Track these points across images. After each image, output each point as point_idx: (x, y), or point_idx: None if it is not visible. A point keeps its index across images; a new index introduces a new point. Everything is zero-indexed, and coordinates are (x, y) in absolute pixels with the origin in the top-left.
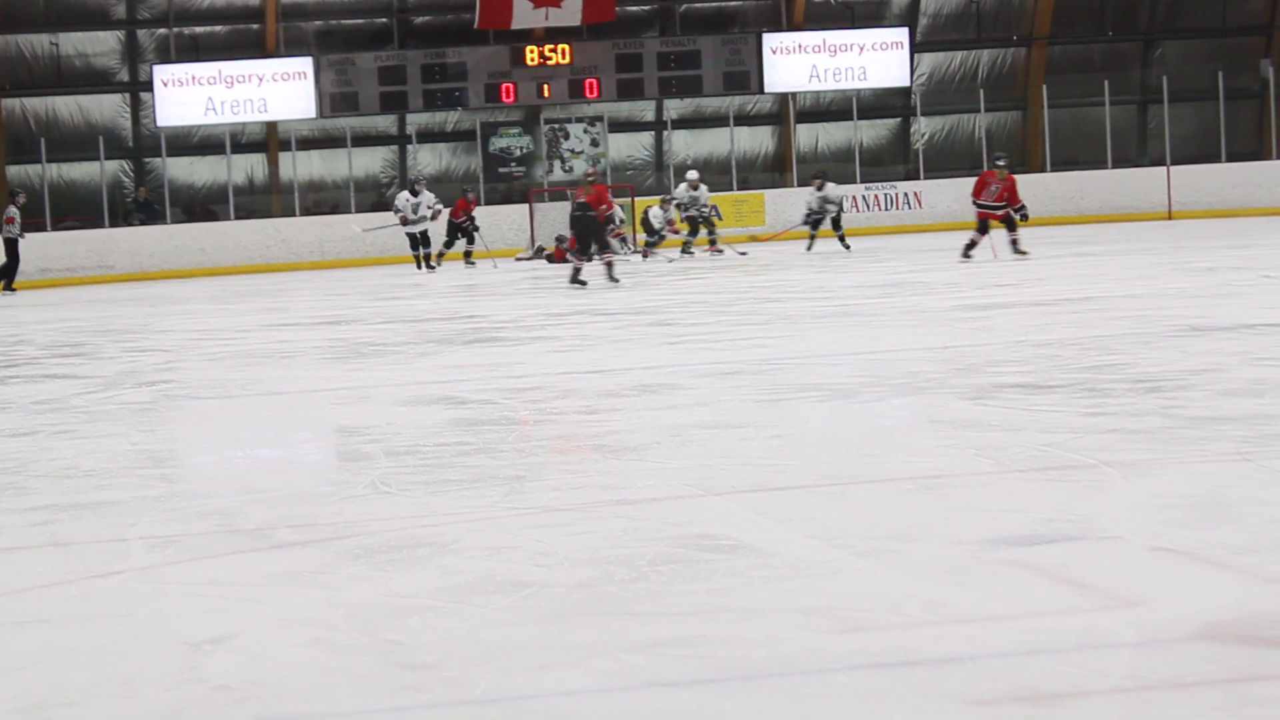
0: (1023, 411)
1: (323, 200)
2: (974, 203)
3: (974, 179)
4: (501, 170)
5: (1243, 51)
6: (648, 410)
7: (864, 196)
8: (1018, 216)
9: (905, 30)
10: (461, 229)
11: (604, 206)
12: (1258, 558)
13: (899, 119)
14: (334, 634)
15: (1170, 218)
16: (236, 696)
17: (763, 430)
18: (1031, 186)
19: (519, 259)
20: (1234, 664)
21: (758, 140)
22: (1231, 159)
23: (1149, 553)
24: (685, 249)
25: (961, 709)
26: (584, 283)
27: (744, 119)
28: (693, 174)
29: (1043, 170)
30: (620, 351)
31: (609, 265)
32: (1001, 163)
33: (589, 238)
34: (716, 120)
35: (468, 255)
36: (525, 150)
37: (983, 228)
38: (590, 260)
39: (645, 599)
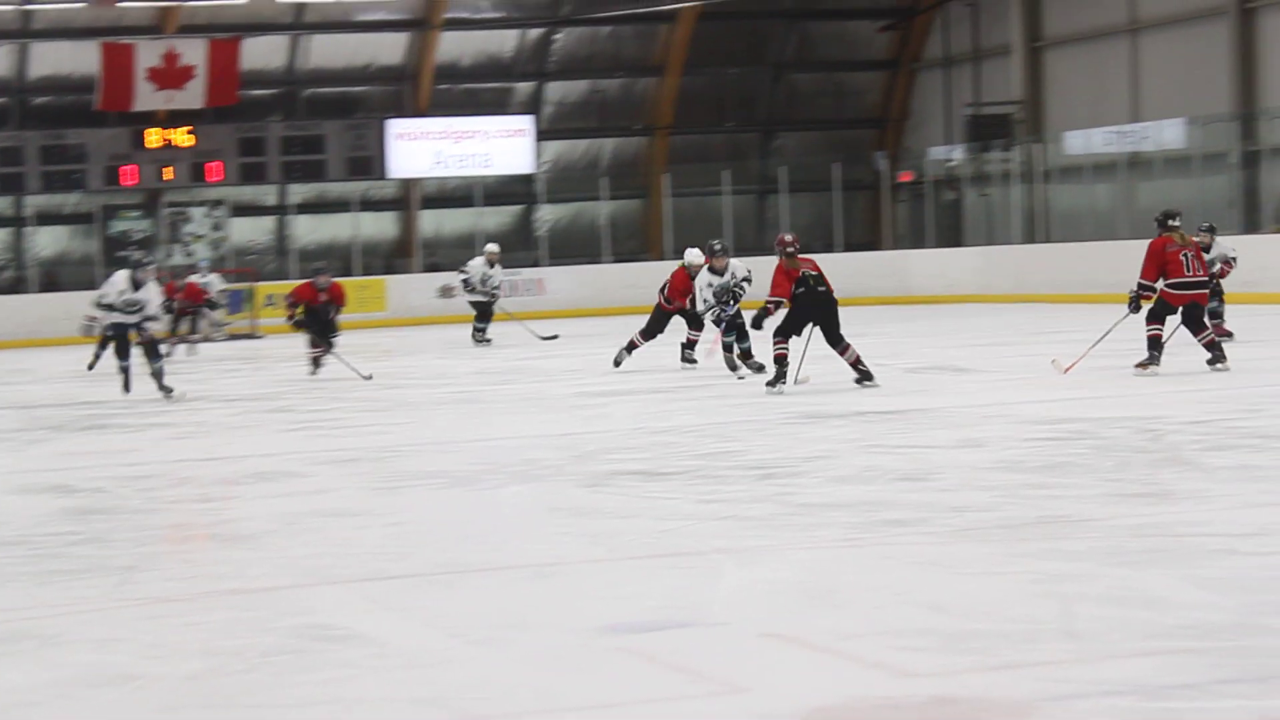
0: (638, 499)
1: None
2: (1162, 287)
3: (674, 272)
4: (119, 255)
5: (858, 143)
6: (264, 498)
7: None
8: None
9: (530, 118)
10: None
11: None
12: (863, 643)
13: (524, 205)
14: None
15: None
16: None
17: (380, 518)
18: (652, 274)
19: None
20: None
21: (381, 226)
22: (848, 249)
23: (758, 639)
24: (477, 334)
25: None
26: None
27: (368, 204)
28: (492, 247)
29: (663, 259)
30: (237, 438)
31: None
32: (1176, 222)
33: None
34: (340, 205)
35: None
36: (145, 234)
37: (1159, 314)
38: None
39: (257, 691)
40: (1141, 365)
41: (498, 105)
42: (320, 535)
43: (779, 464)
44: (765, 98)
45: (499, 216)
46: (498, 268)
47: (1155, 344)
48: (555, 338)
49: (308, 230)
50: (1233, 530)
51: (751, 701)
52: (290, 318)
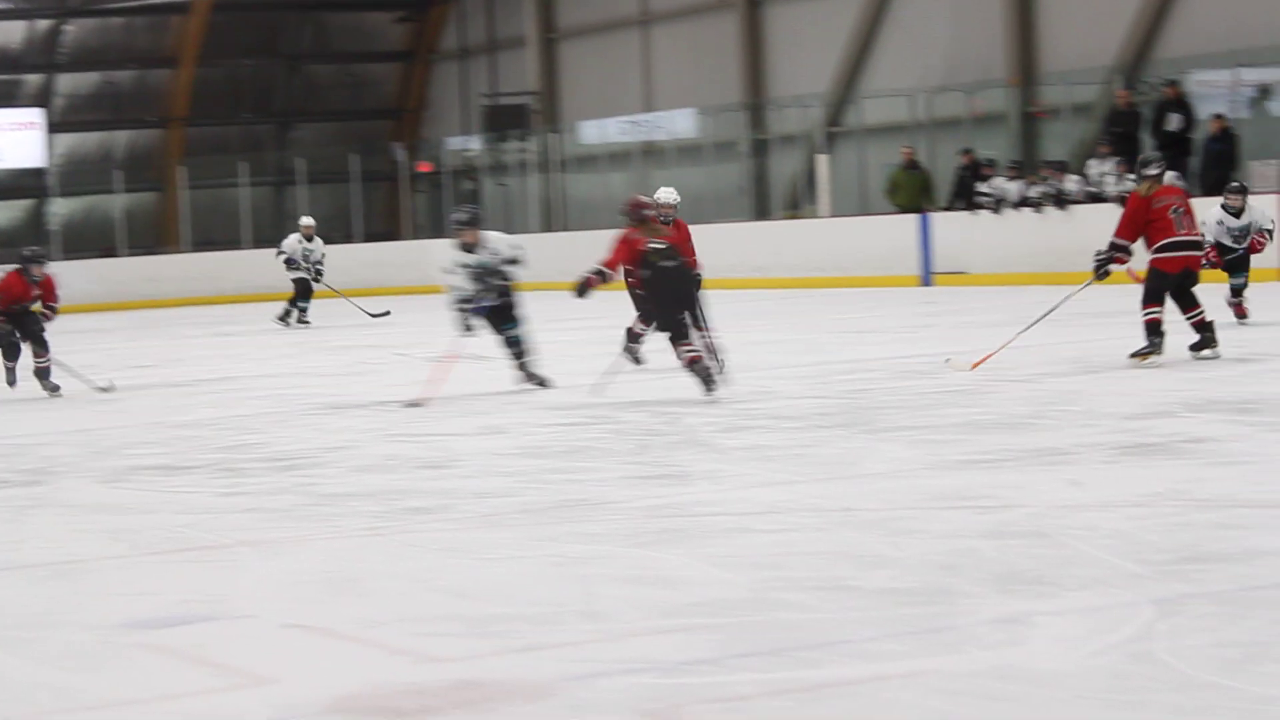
0: (159, 493)
1: None
2: (1152, 255)
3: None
4: None
5: (376, 134)
6: None
7: None
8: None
9: (40, 111)
10: None
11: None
12: (386, 630)
13: (35, 200)
14: None
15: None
16: None
17: None
18: (169, 268)
19: None
20: None
21: None
22: (368, 239)
23: (281, 630)
24: (286, 316)
25: None
26: (639, 360)
27: None
28: (306, 220)
29: (180, 251)
30: None
31: (694, 364)
32: (1153, 170)
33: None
34: None
35: None
36: None
37: (1157, 292)
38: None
39: None
40: (1140, 355)
41: (6, 98)
42: None
43: (301, 455)
44: (281, 89)
45: (9, 211)
46: (317, 240)
47: (1155, 329)
48: (387, 314)
49: None
50: (746, 509)
51: (276, 692)
52: None
